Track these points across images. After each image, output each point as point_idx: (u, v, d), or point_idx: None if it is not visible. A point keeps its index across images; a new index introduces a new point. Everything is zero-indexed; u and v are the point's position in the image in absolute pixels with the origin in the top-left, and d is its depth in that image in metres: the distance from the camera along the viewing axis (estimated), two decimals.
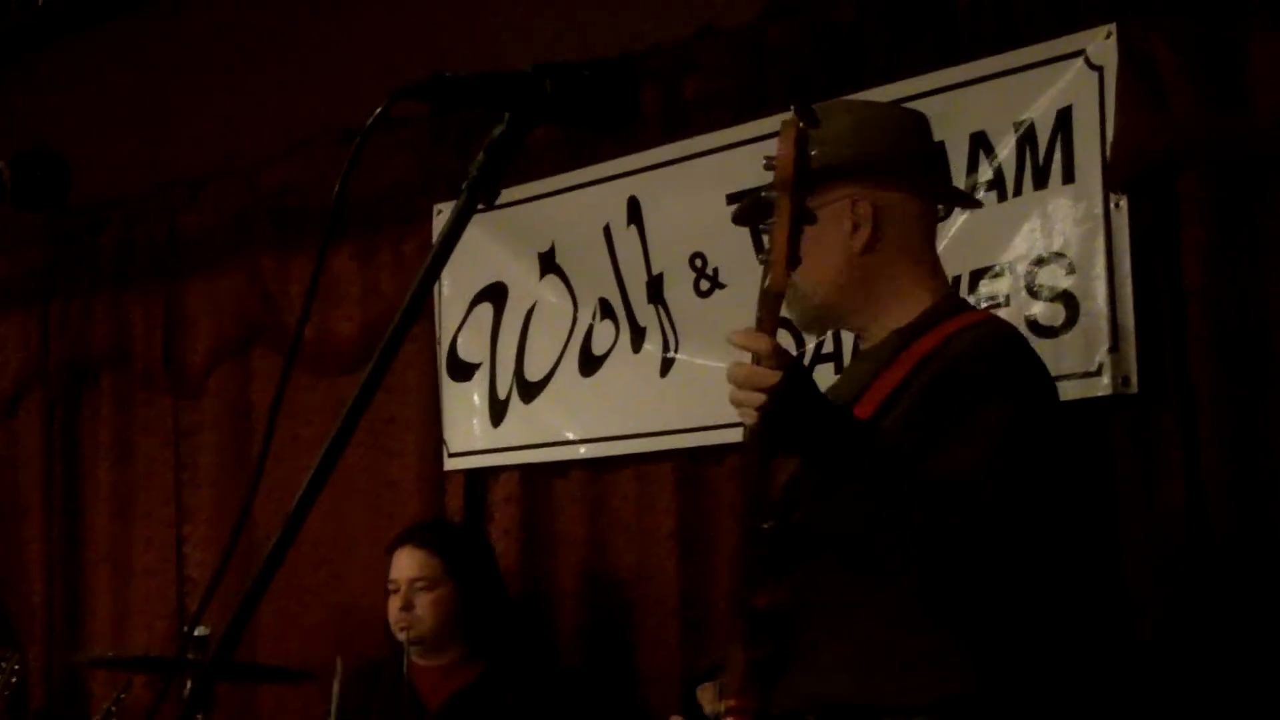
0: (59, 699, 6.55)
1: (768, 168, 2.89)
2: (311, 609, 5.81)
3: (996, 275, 4.21)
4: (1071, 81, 4.10)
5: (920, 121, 3.38)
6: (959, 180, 4.26)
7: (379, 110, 1.99)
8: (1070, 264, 4.08)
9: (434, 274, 2.05)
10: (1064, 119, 4.11)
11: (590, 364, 5.13)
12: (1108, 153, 4.01)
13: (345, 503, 5.62)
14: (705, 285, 4.83)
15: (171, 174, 6.39)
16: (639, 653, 5.01)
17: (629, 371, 5.02)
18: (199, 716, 3.22)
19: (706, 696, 3.32)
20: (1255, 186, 3.90)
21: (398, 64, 5.55)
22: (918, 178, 3.33)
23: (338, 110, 5.56)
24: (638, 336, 5.01)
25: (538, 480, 5.29)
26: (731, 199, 4.57)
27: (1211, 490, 3.88)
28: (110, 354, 6.51)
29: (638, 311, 5.01)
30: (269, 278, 5.99)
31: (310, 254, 5.86)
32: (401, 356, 1.91)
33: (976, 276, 4.24)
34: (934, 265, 3.34)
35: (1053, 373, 4.02)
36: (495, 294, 5.38)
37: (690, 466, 4.84)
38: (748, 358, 2.85)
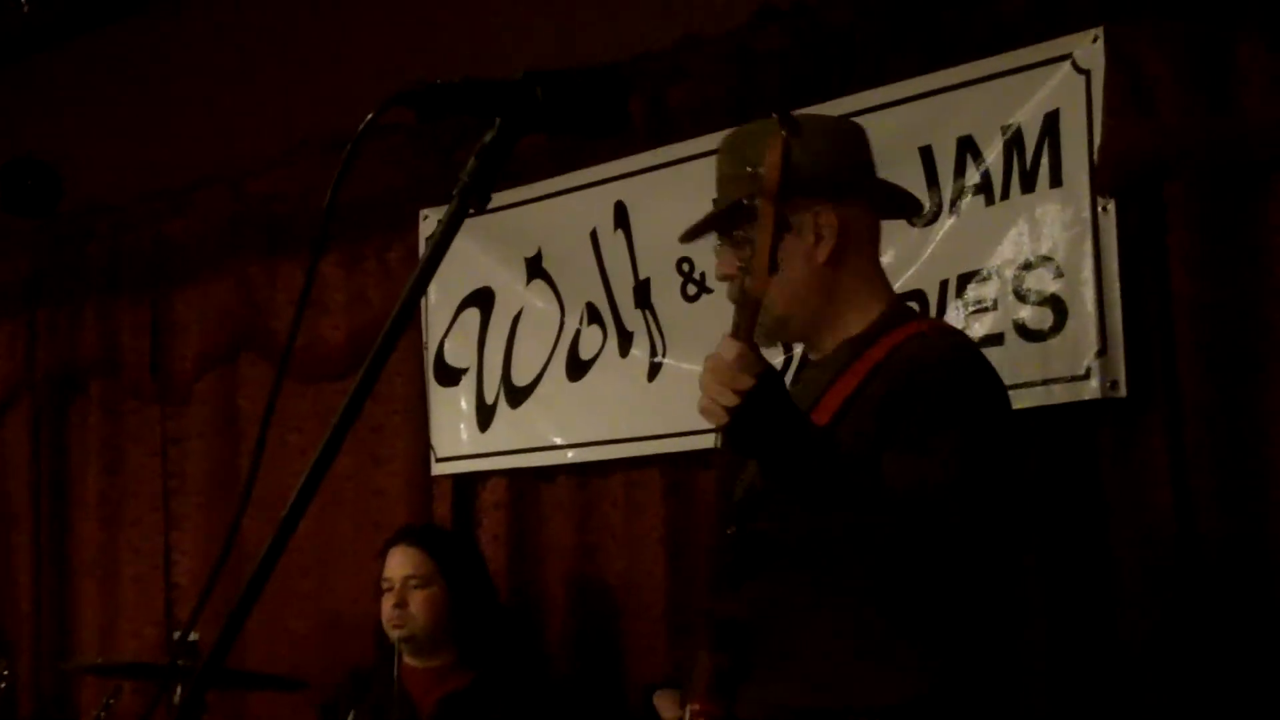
0: (47, 707, 6.54)
1: (752, 175, 2.91)
2: (299, 616, 5.81)
3: (984, 279, 4.21)
4: (1059, 85, 4.10)
5: (862, 133, 3.42)
6: (946, 185, 4.28)
7: (370, 117, 1.99)
8: (1058, 268, 4.08)
9: (425, 280, 2.05)
10: (1051, 123, 4.11)
11: (577, 369, 5.13)
12: (1095, 156, 4.01)
13: (333, 509, 5.61)
14: (692, 290, 4.83)
15: (159, 182, 6.39)
16: (627, 657, 5.01)
17: (616, 376, 5.03)
18: None
19: (664, 703, 3.34)
20: (1242, 191, 3.90)
21: (384, 72, 5.55)
22: (873, 190, 3.37)
23: (325, 118, 5.56)
24: (625, 341, 5.01)
25: (525, 485, 5.29)
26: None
27: (1199, 493, 3.89)
28: (98, 362, 6.51)
29: (625, 316, 5.01)
30: (257, 285, 5.99)
31: (298, 262, 5.86)
32: (388, 363, 1.91)
33: (964, 280, 4.24)
34: (883, 276, 3.38)
35: (1040, 377, 4.07)
36: (482, 299, 5.38)
37: (678, 471, 4.85)
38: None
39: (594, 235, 5.07)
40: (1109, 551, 4.04)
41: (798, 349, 4.12)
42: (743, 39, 4.78)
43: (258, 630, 5.72)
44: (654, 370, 4.93)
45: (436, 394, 5.47)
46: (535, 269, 5.26)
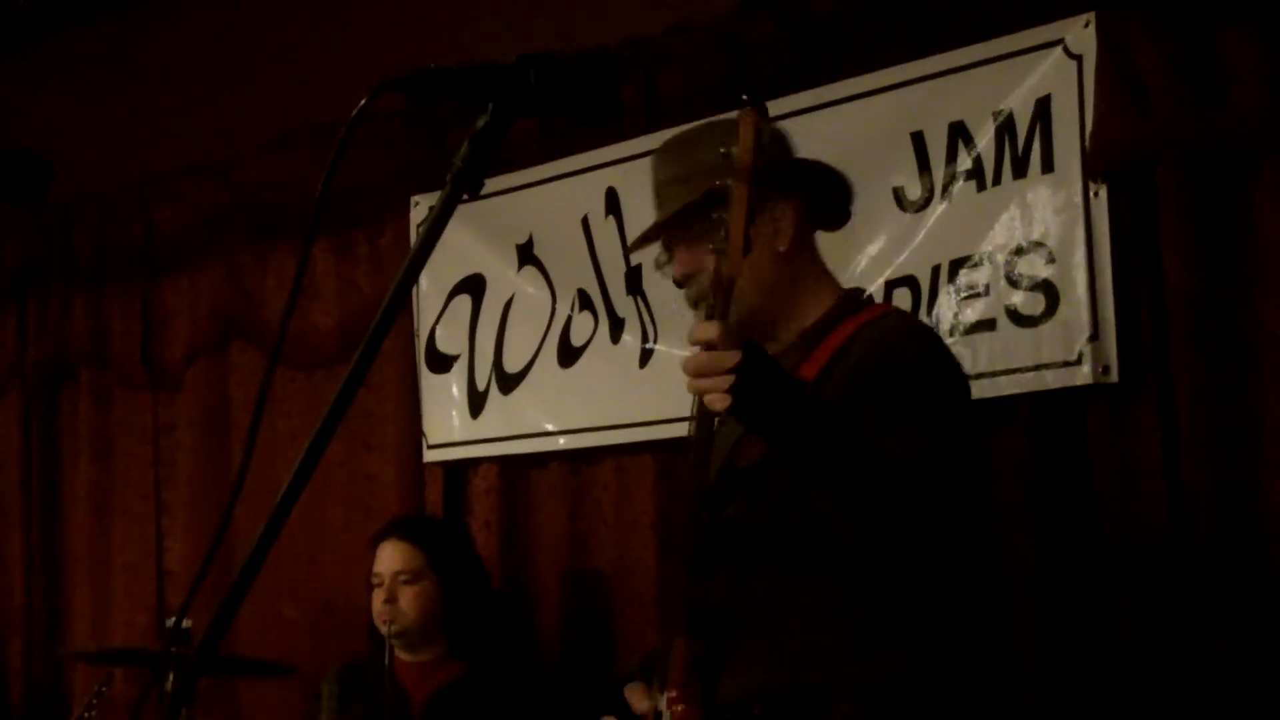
0: (39, 694, 6.53)
1: (725, 157, 2.94)
2: (290, 602, 5.80)
3: (976, 265, 4.21)
4: (1050, 71, 4.10)
5: (788, 136, 3.45)
6: (937, 170, 4.28)
7: (363, 103, 1.99)
8: (1050, 253, 4.08)
9: (418, 266, 2.05)
10: (1043, 108, 4.11)
11: (569, 355, 5.13)
12: (1087, 142, 4.02)
13: (324, 496, 5.61)
14: None
15: (149, 171, 6.38)
16: (618, 644, 5.01)
17: (608, 362, 5.02)
18: (183, 711, 3.21)
19: (636, 695, 3.34)
20: (1233, 178, 3.91)
21: (373, 59, 5.53)
22: (815, 187, 3.39)
23: (315, 106, 5.56)
24: (616, 328, 5.01)
25: (517, 472, 5.29)
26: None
27: (1190, 478, 3.89)
28: (88, 350, 6.49)
29: (616, 302, 5.01)
30: (247, 273, 5.98)
31: (288, 249, 5.86)
32: (380, 350, 1.91)
33: (956, 266, 4.24)
34: (827, 268, 3.40)
35: (1032, 362, 4.08)
36: (473, 286, 5.37)
37: (669, 457, 4.83)
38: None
39: (585, 221, 5.07)
40: (1100, 536, 4.04)
41: None
42: (733, 25, 4.78)
43: (248, 616, 5.71)
44: (645, 356, 4.93)
45: (428, 381, 5.46)
46: (526, 255, 5.25)
